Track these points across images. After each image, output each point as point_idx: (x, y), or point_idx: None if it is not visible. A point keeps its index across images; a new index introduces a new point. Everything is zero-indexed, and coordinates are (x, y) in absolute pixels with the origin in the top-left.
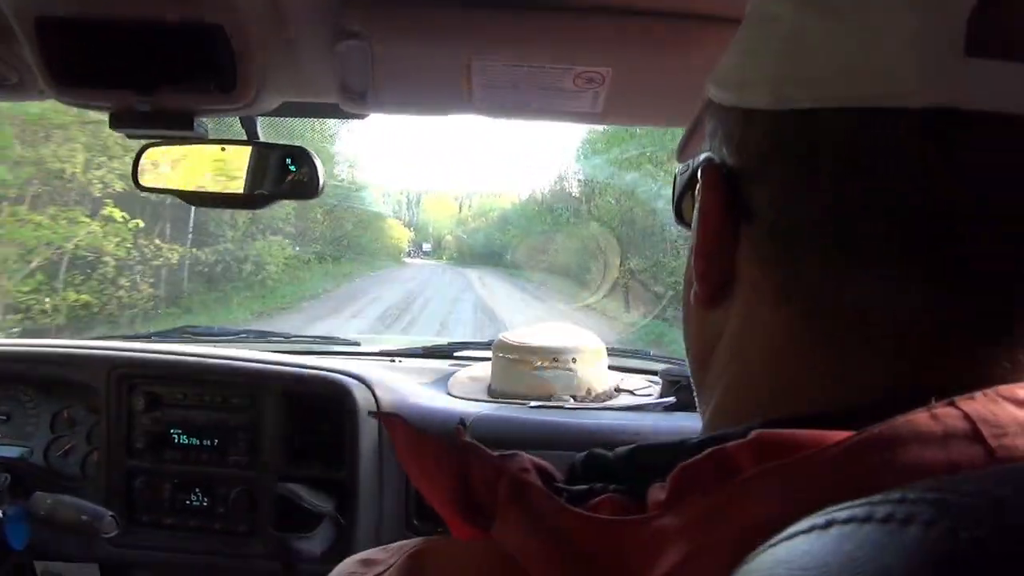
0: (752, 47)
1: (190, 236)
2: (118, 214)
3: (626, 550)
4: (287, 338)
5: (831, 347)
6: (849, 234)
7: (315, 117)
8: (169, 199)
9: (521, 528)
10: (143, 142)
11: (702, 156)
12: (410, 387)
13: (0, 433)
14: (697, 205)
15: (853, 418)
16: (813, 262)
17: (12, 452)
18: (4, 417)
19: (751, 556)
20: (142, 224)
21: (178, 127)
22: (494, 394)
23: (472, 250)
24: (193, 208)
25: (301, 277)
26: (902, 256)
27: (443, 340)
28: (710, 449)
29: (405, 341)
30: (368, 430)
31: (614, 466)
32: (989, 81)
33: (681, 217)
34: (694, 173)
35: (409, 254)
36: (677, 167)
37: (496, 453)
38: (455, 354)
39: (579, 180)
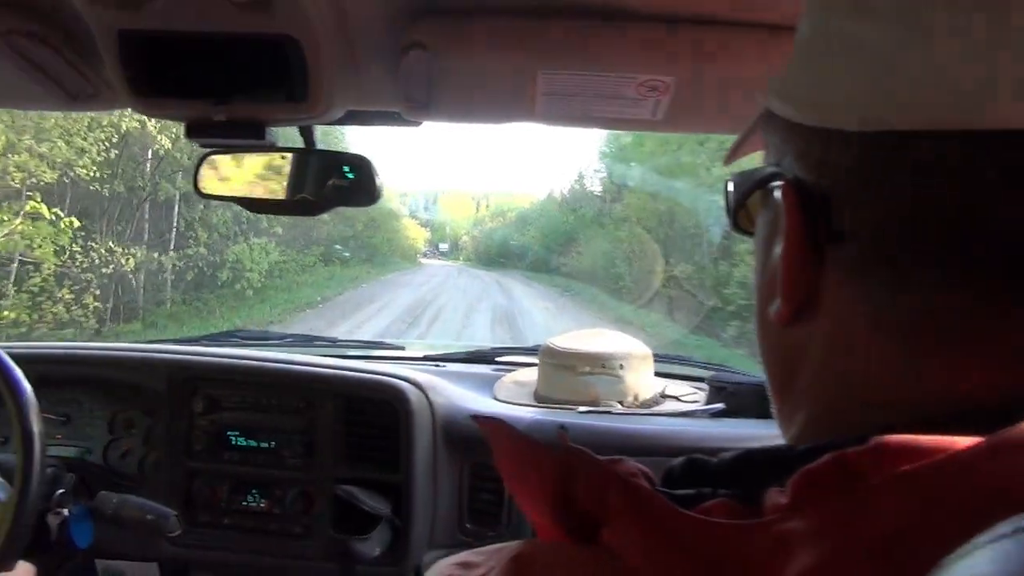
0: (832, 67)
1: (173, 235)
2: (47, 211)
3: (749, 554)
4: (333, 342)
5: (934, 362)
6: (953, 257)
7: (375, 125)
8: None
9: (636, 533)
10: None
11: (768, 170)
12: (459, 392)
13: (60, 434)
14: (763, 217)
15: (965, 425)
16: (914, 284)
17: (71, 452)
18: (64, 418)
19: (960, 554)
20: (77, 223)
21: (250, 136)
22: (540, 399)
23: (489, 251)
24: (177, 206)
25: (301, 282)
26: (1008, 277)
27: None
28: (831, 454)
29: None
30: (423, 433)
31: (717, 471)
32: None
33: (738, 225)
34: (756, 184)
35: (426, 254)
36: (730, 175)
37: (604, 458)
38: (497, 359)
39: (602, 178)
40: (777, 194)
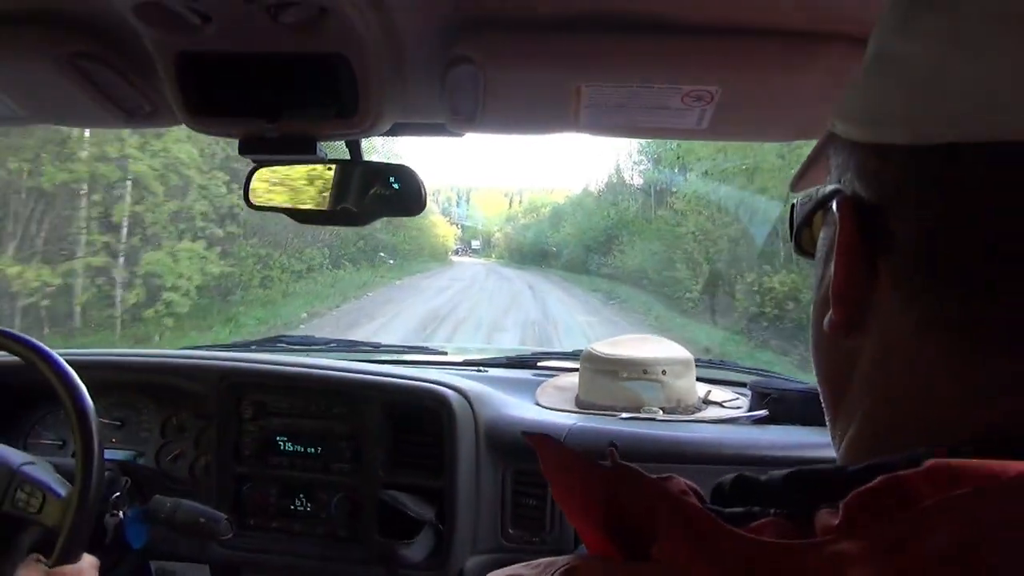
0: (884, 85)
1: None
2: None
3: (800, 575)
4: (376, 347)
5: (981, 374)
6: (996, 268)
7: (420, 136)
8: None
9: (686, 551)
10: None
11: (829, 188)
12: (501, 397)
13: (115, 438)
14: (823, 235)
15: (1017, 447)
16: (960, 293)
17: (126, 455)
18: (119, 423)
19: None
20: None
21: (302, 151)
22: (582, 405)
23: (522, 248)
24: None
25: (295, 292)
26: None
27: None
28: (883, 477)
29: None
30: (466, 439)
31: (767, 490)
32: None
33: (800, 247)
34: (819, 204)
35: (457, 251)
36: (795, 198)
37: (654, 476)
38: (539, 364)
39: (643, 170)
40: (835, 208)
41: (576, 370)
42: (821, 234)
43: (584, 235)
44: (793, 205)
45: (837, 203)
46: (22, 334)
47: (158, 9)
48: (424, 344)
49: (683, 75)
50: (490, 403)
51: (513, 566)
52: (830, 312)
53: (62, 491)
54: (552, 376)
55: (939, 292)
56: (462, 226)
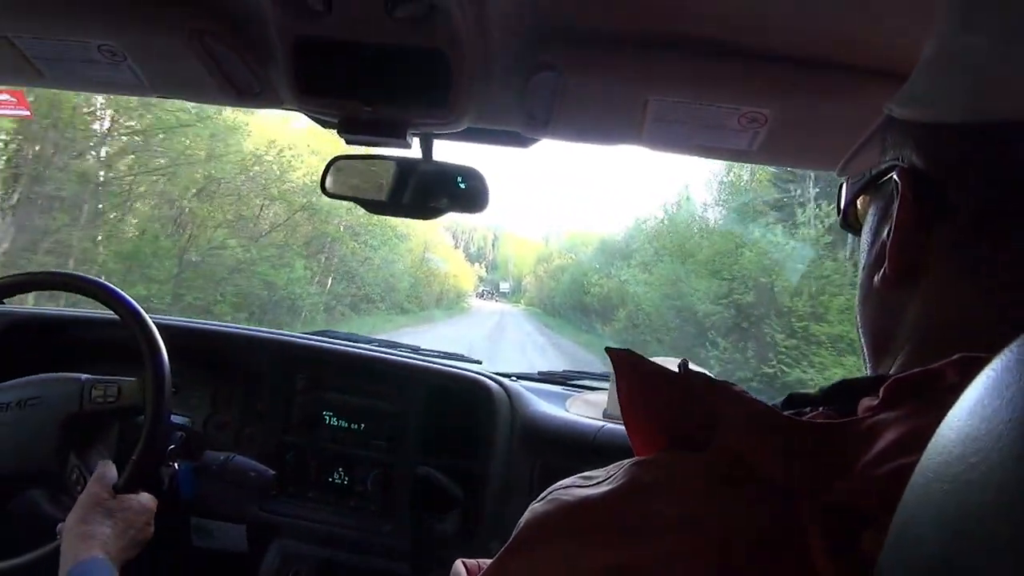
0: (943, 73)
1: None
2: None
3: (844, 442)
4: (415, 350)
5: (1014, 316)
6: None
7: (488, 143)
8: None
9: (746, 433)
10: None
11: (887, 163)
12: (537, 400)
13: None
14: (873, 207)
15: None
16: (1006, 249)
17: (178, 420)
18: (174, 389)
19: None
20: None
21: (393, 135)
22: (609, 417)
23: (555, 298)
24: None
25: None
26: None
27: None
28: (918, 369)
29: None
30: (503, 429)
31: (815, 398)
32: None
33: (847, 221)
34: (872, 179)
35: (482, 295)
36: (843, 179)
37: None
38: (569, 381)
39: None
40: (895, 176)
41: (605, 390)
42: (872, 206)
43: (684, 281)
44: (841, 185)
45: (898, 173)
46: (111, 285)
47: None
48: (460, 353)
49: (742, 96)
50: (527, 401)
51: (585, 472)
52: (883, 268)
53: (133, 378)
54: (581, 393)
55: (987, 253)
56: (491, 267)
